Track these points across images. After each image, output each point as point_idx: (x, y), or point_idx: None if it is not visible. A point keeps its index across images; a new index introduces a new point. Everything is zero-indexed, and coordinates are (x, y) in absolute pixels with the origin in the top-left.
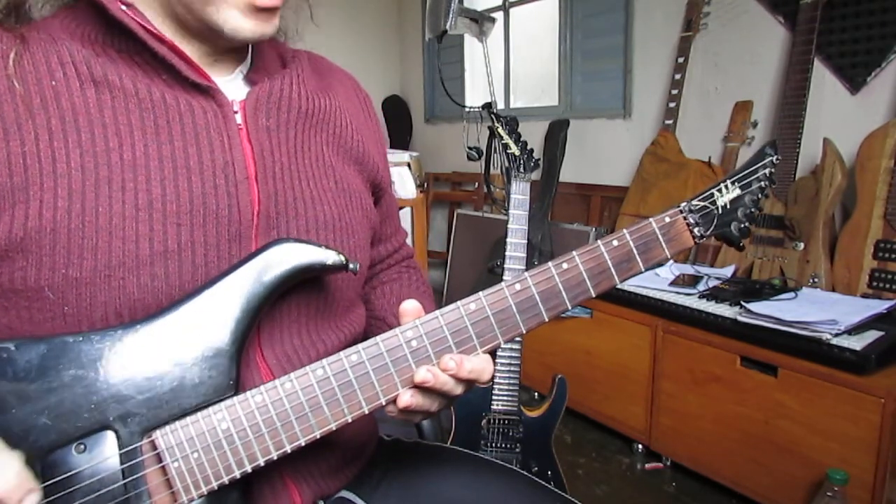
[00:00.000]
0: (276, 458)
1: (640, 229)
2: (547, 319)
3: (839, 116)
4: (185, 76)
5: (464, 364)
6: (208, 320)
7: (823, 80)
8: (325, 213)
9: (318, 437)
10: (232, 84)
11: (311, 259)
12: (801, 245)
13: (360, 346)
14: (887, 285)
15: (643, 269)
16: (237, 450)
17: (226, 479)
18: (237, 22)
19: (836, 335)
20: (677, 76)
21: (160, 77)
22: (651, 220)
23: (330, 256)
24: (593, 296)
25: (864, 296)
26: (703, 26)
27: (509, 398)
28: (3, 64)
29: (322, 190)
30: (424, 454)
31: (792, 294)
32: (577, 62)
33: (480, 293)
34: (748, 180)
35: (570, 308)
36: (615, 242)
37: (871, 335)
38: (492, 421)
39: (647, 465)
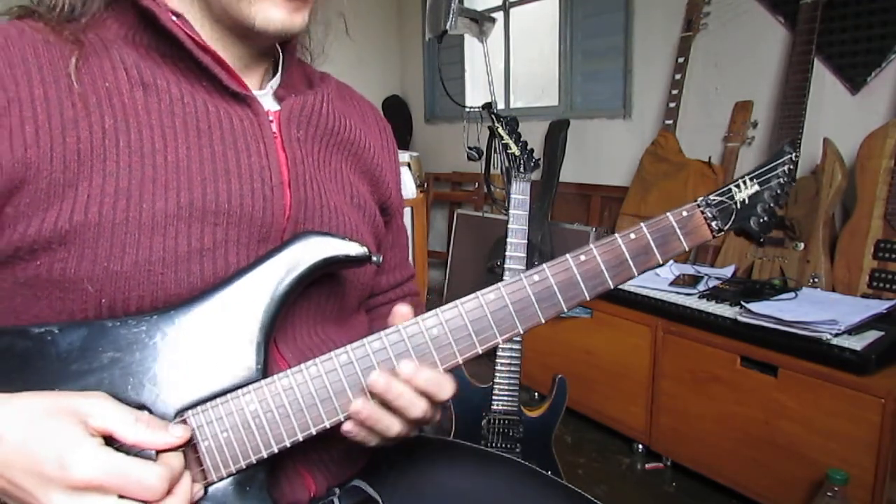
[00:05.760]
0: (301, 439)
1: (658, 223)
2: (566, 310)
3: (839, 116)
4: (226, 85)
5: (420, 372)
6: (239, 308)
7: (823, 80)
8: (345, 224)
9: (343, 419)
10: (263, 98)
11: (337, 251)
12: (802, 245)
13: (382, 332)
14: (887, 285)
15: (661, 262)
16: (264, 431)
17: (253, 459)
18: (267, 13)
19: (836, 335)
20: (677, 76)
21: (201, 84)
22: (668, 214)
23: (354, 248)
24: (612, 287)
25: (864, 296)
26: (703, 26)
27: (509, 398)
28: (64, 64)
29: (340, 202)
30: (430, 447)
31: (792, 294)
32: (577, 62)
33: (500, 284)
34: (767, 177)
35: (588, 298)
36: (632, 235)
37: (871, 335)
38: (492, 421)
39: (647, 465)
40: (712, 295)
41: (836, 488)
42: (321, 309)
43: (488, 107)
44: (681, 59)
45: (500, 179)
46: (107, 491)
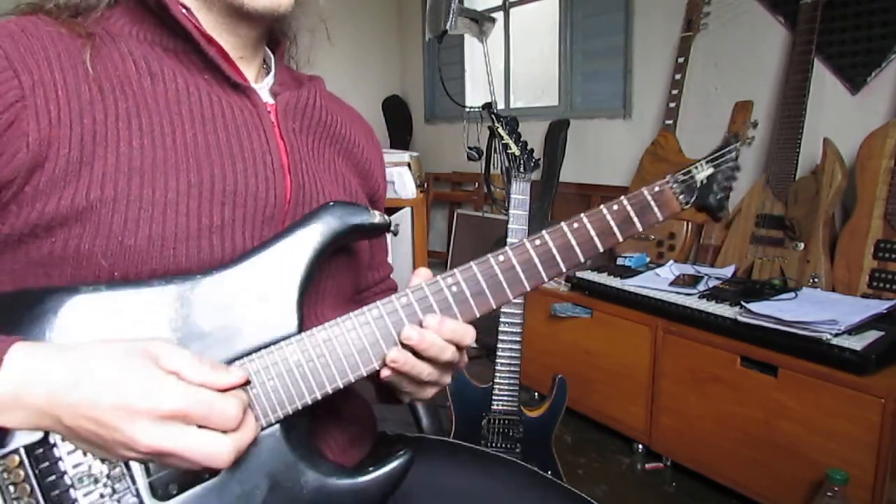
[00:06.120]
0: (341, 385)
1: (635, 196)
2: (564, 270)
3: (839, 116)
4: (227, 76)
5: (445, 323)
6: (280, 269)
7: (823, 80)
8: None
9: (378, 366)
10: (261, 92)
11: (362, 219)
12: (802, 245)
13: (408, 289)
14: (887, 285)
15: (640, 230)
16: (308, 378)
17: (298, 405)
18: None
19: (836, 335)
20: (677, 76)
21: (202, 77)
22: (643, 189)
23: (376, 217)
24: (601, 250)
25: (864, 296)
26: (703, 26)
27: (509, 398)
28: (77, 54)
29: (334, 192)
30: (429, 447)
31: (792, 294)
32: (577, 62)
33: (507, 247)
34: (718, 161)
35: (582, 261)
36: (615, 207)
37: (871, 335)
38: (492, 421)
39: (647, 465)
40: (712, 295)
41: (836, 488)
42: (320, 294)
43: (488, 107)
44: (681, 59)
45: (500, 179)
46: (191, 420)
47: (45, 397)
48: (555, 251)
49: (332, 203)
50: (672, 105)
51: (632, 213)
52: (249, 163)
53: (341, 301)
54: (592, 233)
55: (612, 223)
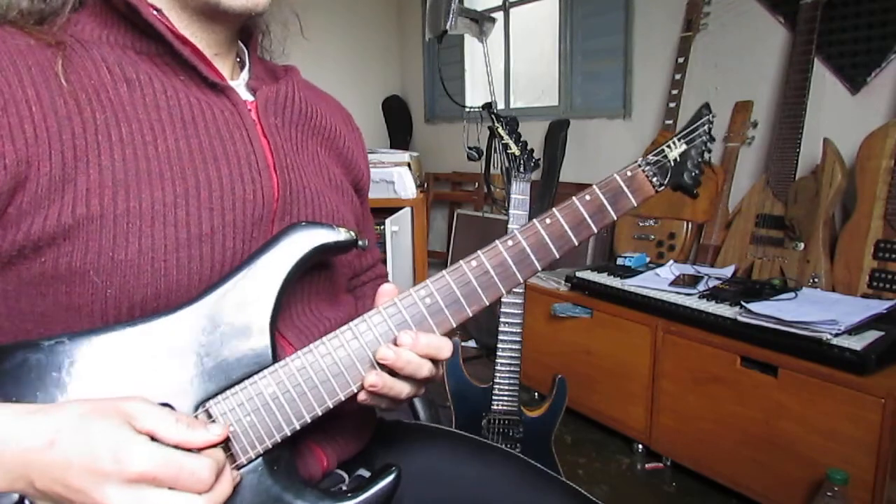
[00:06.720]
0: (320, 413)
1: (608, 183)
2: (539, 269)
3: (839, 116)
4: (205, 76)
5: (420, 339)
6: (247, 299)
7: (823, 80)
8: (326, 205)
9: (356, 390)
10: (238, 89)
11: (328, 238)
12: (802, 245)
13: (380, 307)
14: (887, 285)
15: (615, 218)
16: (284, 409)
17: (277, 438)
18: None
19: (836, 335)
20: (677, 76)
21: (178, 78)
22: (615, 174)
23: (342, 234)
24: (576, 244)
25: (864, 296)
26: (703, 26)
27: (509, 398)
28: (49, 65)
29: (320, 185)
30: (427, 435)
31: (792, 294)
32: (577, 62)
33: (479, 251)
34: (691, 136)
35: (557, 257)
36: (587, 197)
37: (871, 335)
38: (492, 421)
39: (647, 465)
40: (712, 295)
41: (836, 488)
42: (314, 289)
43: (488, 107)
44: (681, 59)
45: (500, 179)
46: (160, 483)
47: (19, 458)
48: (528, 250)
49: (294, 225)
50: (672, 105)
51: (605, 202)
52: (234, 166)
53: (336, 291)
54: (566, 227)
55: (586, 214)
